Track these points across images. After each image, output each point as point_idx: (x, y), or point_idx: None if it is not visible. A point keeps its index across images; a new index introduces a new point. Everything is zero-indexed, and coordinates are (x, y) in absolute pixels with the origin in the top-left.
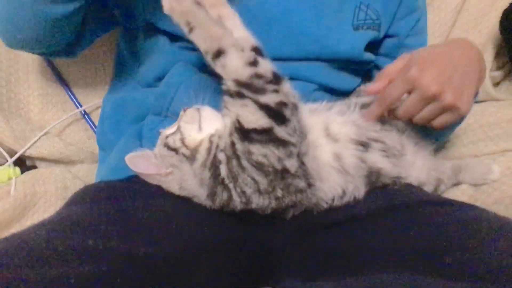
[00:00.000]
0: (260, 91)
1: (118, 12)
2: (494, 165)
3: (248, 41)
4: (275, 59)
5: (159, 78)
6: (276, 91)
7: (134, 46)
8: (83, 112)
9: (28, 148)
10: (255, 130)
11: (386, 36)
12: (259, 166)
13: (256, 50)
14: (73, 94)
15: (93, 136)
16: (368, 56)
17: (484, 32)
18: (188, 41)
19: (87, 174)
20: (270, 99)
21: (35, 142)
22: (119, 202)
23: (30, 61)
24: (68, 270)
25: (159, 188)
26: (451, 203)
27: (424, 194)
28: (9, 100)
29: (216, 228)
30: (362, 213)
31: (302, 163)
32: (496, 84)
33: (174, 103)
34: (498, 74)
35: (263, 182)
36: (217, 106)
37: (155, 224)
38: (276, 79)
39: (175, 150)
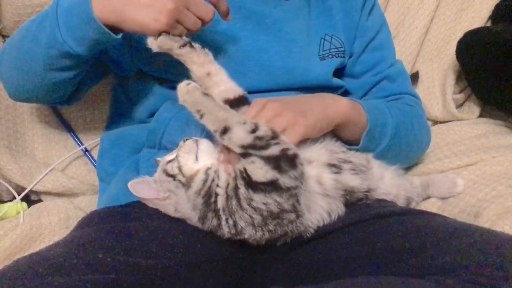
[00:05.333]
0: (264, 147)
1: (111, 65)
2: (459, 179)
3: (236, 91)
4: (252, 91)
5: (151, 115)
6: (278, 143)
7: (127, 88)
8: (84, 150)
9: (35, 184)
10: (262, 183)
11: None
12: (257, 210)
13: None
14: (74, 133)
15: (93, 169)
16: (337, 81)
17: (445, 60)
18: (175, 82)
19: (88, 205)
20: (273, 150)
21: (42, 178)
22: (122, 223)
23: (33, 105)
24: (84, 278)
25: (156, 211)
26: (413, 212)
27: (391, 206)
28: (16, 140)
29: (208, 245)
30: (338, 226)
31: (297, 200)
32: (460, 106)
33: (165, 136)
34: (460, 96)
35: (258, 219)
36: (202, 135)
37: (154, 241)
38: (274, 134)
39: (172, 176)
